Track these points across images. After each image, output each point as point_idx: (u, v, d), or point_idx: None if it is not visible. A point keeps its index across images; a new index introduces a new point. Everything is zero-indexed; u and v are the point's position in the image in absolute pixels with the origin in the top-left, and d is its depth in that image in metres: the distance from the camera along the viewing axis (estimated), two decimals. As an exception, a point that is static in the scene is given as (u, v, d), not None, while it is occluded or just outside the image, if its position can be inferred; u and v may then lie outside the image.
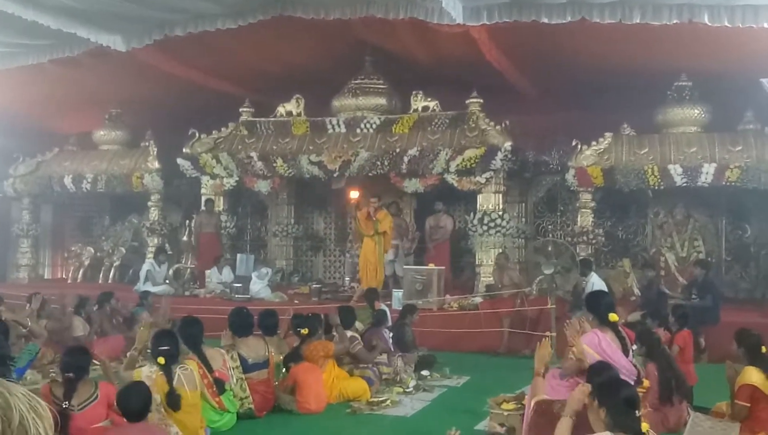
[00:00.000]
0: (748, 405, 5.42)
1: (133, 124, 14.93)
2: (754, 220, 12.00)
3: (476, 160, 11.36)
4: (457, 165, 11.48)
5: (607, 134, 11.63)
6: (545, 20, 9.07)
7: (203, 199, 13.28)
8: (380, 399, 6.80)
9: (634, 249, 12.45)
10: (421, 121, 12.17)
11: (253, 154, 12.56)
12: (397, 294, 10.88)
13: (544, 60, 11.31)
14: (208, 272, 12.82)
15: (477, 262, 11.83)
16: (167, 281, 12.80)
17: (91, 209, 16.21)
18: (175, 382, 5.26)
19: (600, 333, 4.93)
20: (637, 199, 12.22)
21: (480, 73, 11.58)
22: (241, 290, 11.90)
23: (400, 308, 9.63)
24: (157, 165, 13.79)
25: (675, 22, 8.65)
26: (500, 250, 11.36)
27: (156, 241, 14.00)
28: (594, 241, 11.68)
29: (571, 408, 3.68)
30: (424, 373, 8.03)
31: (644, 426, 3.20)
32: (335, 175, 12.27)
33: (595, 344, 4.82)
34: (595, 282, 9.51)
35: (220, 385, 5.70)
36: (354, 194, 11.87)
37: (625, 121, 11.85)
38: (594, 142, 11.55)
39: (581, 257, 10.77)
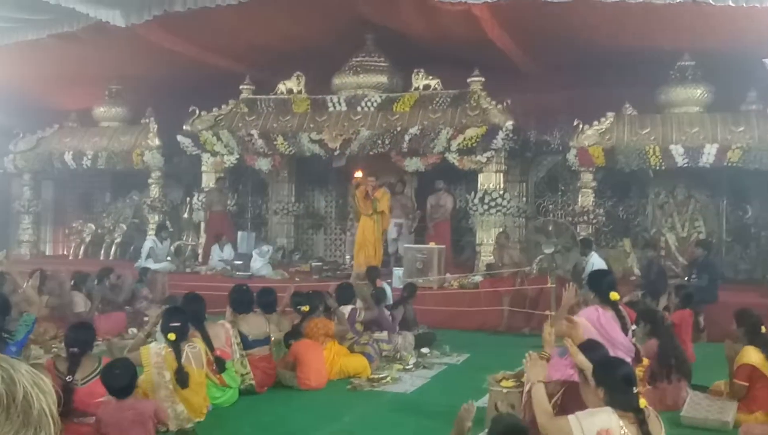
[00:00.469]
0: (747, 384, 5.47)
1: (133, 101, 14.86)
2: (755, 201, 11.99)
3: (477, 139, 11.32)
4: (458, 144, 11.44)
5: (609, 114, 11.58)
6: (548, -2, 9.00)
7: (204, 176, 13.26)
8: (380, 376, 6.84)
9: (634, 229, 12.46)
10: (423, 99, 12.12)
11: (254, 131, 12.52)
12: (398, 272, 10.90)
13: (546, 39, 11.23)
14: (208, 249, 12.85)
15: (477, 241, 11.84)
16: (169, 258, 12.82)
17: (92, 186, 16.19)
18: (183, 360, 5.29)
19: (600, 309, 4.95)
20: (638, 179, 12.20)
21: (482, 51, 11.51)
22: (242, 268, 11.93)
23: (401, 287, 9.67)
24: (157, 142, 13.75)
25: (678, 1, 8.58)
26: (501, 230, 11.37)
27: (157, 218, 14.00)
28: (595, 221, 11.69)
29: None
30: (424, 350, 8.07)
31: (642, 402, 3.22)
32: (336, 153, 12.24)
33: (594, 319, 4.84)
34: (595, 261, 9.53)
35: (220, 364, 5.73)
36: (358, 174, 11.81)
37: (627, 100, 11.81)
38: (596, 122, 11.51)
39: (582, 237, 10.78)
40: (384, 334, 7.64)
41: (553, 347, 4.68)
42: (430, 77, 12.27)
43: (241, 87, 13.18)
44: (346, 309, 7.46)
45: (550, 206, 12.97)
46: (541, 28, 10.79)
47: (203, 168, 13.26)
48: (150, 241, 12.88)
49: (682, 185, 12.06)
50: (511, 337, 9.39)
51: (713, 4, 8.43)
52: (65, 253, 16.05)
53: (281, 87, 13.01)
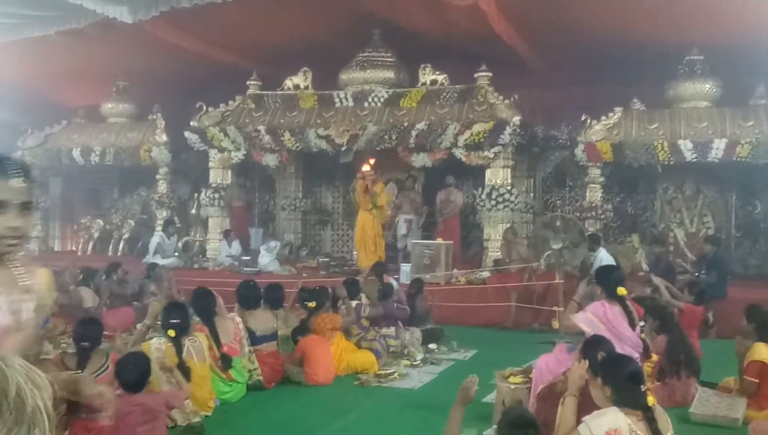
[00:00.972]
0: (757, 381, 5.44)
1: (140, 97, 14.89)
2: (765, 196, 11.92)
3: (485, 135, 11.29)
4: (466, 139, 11.41)
5: (617, 109, 11.54)
6: (556, -8, 8.97)
7: (211, 172, 13.27)
8: (388, 371, 6.84)
9: (642, 225, 12.41)
10: (430, 94, 12.08)
11: (261, 127, 12.53)
12: (405, 268, 10.89)
13: (553, 33, 11.19)
14: (216, 245, 12.88)
15: (485, 237, 11.81)
16: (176, 254, 12.85)
17: (100, 182, 16.23)
18: (184, 354, 5.30)
19: (607, 304, 4.92)
20: (646, 174, 12.15)
21: (489, 46, 11.48)
22: (249, 263, 11.95)
23: (408, 282, 9.67)
24: (164, 138, 13.77)
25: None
26: (508, 225, 11.34)
27: (164, 213, 14.04)
28: (603, 217, 11.65)
29: (574, 386, 3.67)
30: (432, 346, 8.06)
31: (650, 399, 3.19)
32: (343, 149, 12.23)
33: (600, 314, 4.82)
34: (603, 257, 9.50)
35: (226, 361, 5.73)
36: (366, 167, 11.78)
37: (635, 95, 11.76)
38: (603, 117, 11.47)
39: (589, 232, 10.74)
40: (391, 330, 7.64)
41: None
42: (437, 72, 12.23)
43: (248, 83, 13.18)
44: (352, 304, 7.46)
45: (558, 202, 12.93)
46: (549, 23, 10.75)
47: (210, 164, 13.28)
48: (157, 237, 12.93)
49: (690, 180, 12.00)
50: (518, 333, 9.38)
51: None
52: (74, 248, 16.11)
53: (288, 83, 13.00)
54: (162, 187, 14.19)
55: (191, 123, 13.02)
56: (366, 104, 12.33)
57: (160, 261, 11.76)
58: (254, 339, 6.30)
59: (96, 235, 15.28)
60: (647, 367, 4.86)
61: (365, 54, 12.78)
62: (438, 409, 5.72)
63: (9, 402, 0.86)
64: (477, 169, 12.01)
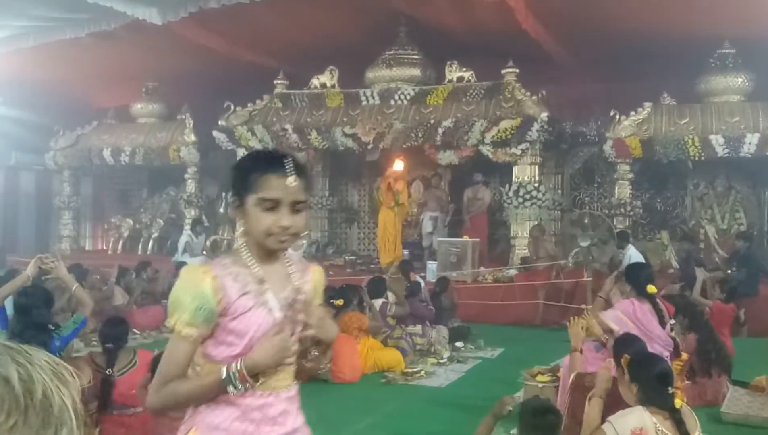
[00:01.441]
0: (790, 380, 5.34)
1: (169, 98, 15.07)
2: (799, 192, 11.70)
3: (512, 132, 11.22)
4: (493, 136, 11.36)
5: (646, 104, 11.39)
6: (584, -13, 8.88)
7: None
8: (414, 369, 6.84)
9: (672, 221, 12.24)
10: (456, 91, 12.05)
11: (288, 126, 12.60)
12: (432, 266, 10.88)
13: (581, 28, 11.07)
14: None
15: (512, 235, 11.75)
16: (204, 252, 12.96)
17: (130, 181, 16.47)
18: None
19: (636, 302, 4.88)
20: (676, 170, 11.98)
21: (516, 42, 11.40)
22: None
23: (434, 280, 9.65)
24: (193, 138, 13.92)
25: (719, -13, 8.40)
26: (535, 223, 11.28)
27: (193, 212, 14.19)
28: (632, 213, 11.53)
29: (600, 388, 3.64)
30: (458, 344, 8.05)
31: (677, 402, 3.15)
32: (369, 147, 12.24)
33: (630, 312, 4.77)
34: (632, 254, 9.39)
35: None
36: (398, 166, 11.74)
37: (664, 90, 11.60)
38: (633, 112, 11.34)
39: (618, 230, 10.63)
40: (418, 328, 7.64)
41: (582, 341, 4.62)
42: (464, 69, 12.19)
43: (275, 82, 13.26)
44: (377, 302, 7.47)
45: (586, 198, 12.82)
46: (576, 18, 10.64)
47: (238, 163, 13.36)
48: (186, 236, 13.06)
49: (722, 176, 11.81)
50: (546, 331, 9.32)
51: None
52: (104, 247, 16.36)
53: (315, 81, 13.06)
54: (190, 186, 14.34)
55: (219, 122, 13.14)
56: (392, 102, 12.33)
57: (188, 260, 11.87)
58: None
59: (126, 234, 15.48)
60: (677, 366, 4.79)
61: (391, 52, 12.77)
62: (465, 408, 5.71)
63: (35, 405, 0.79)
64: (504, 166, 11.95)
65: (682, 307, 6.18)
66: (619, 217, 11.37)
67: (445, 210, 12.85)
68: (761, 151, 10.47)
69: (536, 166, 11.63)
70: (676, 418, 3.08)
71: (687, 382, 5.64)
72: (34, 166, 16.29)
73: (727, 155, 10.72)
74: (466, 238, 11.17)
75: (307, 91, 13.07)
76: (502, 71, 11.82)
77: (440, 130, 11.64)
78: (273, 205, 1.83)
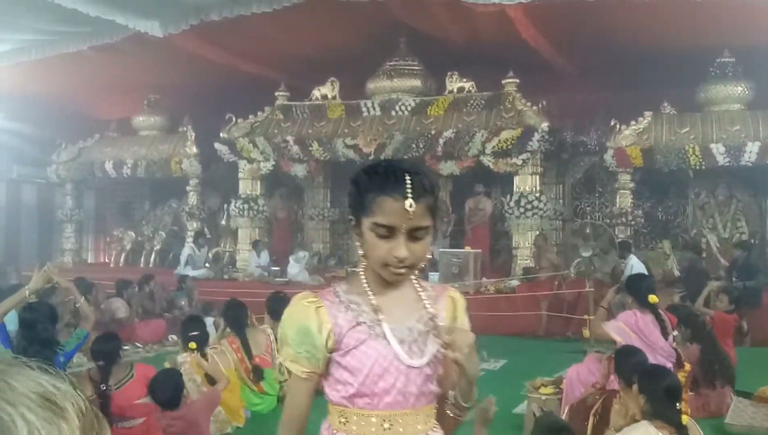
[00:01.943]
0: (793, 390, 5.33)
1: (171, 110, 15.11)
2: (801, 200, 11.70)
3: (512, 142, 11.24)
4: (493, 146, 11.38)
5: (647, 113, 11.41)
6: (583, -3, 8.91)
7: (241, 183, 13.38)
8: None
9: (674, 230, 12.24)
10: (457, 102, 12.07)
11: (289, 137, 12.62)
12: (434, 277, 10.86)
13: (581, 38, 11.11)
14: (246, 256, 12.99)
15: (514, 245, 11.74)
16: (207, 265, 12.98)
17: (132, 194, 16.49)
18: (210, 363, 5.37)
19: (638, 313, 4.88)
20: (677, 179, 11.99)
21: (516, 52, 11.43)
22: (278, 273, 12.02)
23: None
24: (195, 150, 13.94)
25: (717, -4, 8.43)
26: (537, 232, 11.28)
27: (195, 225, 14.20)
28: (633, 223, 11.53)
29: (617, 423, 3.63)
30: (461, 356, 8.01)
31: (684, 418, 3.14)
32: (371, 157, 12.24)
33: (632, 323, 4.77)
34: (634, 264, 9.38)
35: (258, 373, 5.77)
36: None
37: (665, 99, 11.61)
38: (633, 122, 11.35)
39: (620, 240, 10.63)
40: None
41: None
42: (464, 80, 12.22)
43: (276, 94, 13.29)
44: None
45: (588, 208, 12.82)
46: (576, 28, 10.68)
47: (240, 175, 13.40)
48: (188, 249, 13.08)
49: (723, 185, 11.82)
50: (549, 342, 9.31)
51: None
52: (106, 260, 16.36)
53: (316, 93, 13.09)
54: (192, 198, 14.35)
55: (221, 134, 13.17)
56: (393, 113, 12.36)
57: (191, 272, 11.90)
58: (284, 350, 6.33)
59: (128, 246, 15.49)
60: (681, 377, 4.78)
61: (392, 63, 12.81)
62: (468, 420, 5.69)
63: None
64: (505, 176, 11.95)
65: (684, 318, 6.17)
66: (621, 227, 11.36)
67: (446, 220, 12.85)
68: (762, 159, 10.48)
69: (537, 176, 11.64)
70: (682, 434, 3.07)
71: (690, 393, 5.63)
72: (36, 179, 16.33)
73: (727, 164, 10.73)
74: (468, 249, 11.16)
75: (308, 102, 13.10)
76: (503, 81, 11.85)
77: (441, 141, 11.66)
78: (388, 233, 1.61)
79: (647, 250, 11.75)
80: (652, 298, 4.95)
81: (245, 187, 13.38)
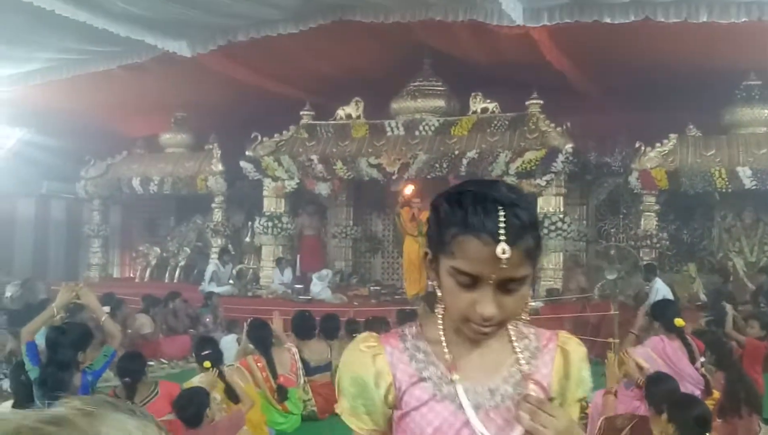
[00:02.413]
0: (823, 419, 5.25)
1: (197, 128, 15.31)
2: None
3: (536, 163, 11.24)
4: (517, 167, 11.38)
5: (672, 135, 11.37)
6: (608, 20, 8.94)
7: (265, 201, 13.49)
8: (440, 403, 6.80)
9: (699, 253, 12.12)
10: (480, 122, 12.11)
11: (314, 156, 12.72)
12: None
13: (606, 59, 11.11)
14: (270, 273, 13.08)
15: (537, 266, 11.67)
16: (231, 281, 13.08)
17: (157, 210, 16.68)
18: (228, 380, 5.42)
19: (666, 339, 4.86)
20: (703, 201, 11.90)
21: (540, 73, 11.45)
22: (302, 291, 12.08)
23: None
24: (220, 167, 14.10)
25: (744, 20, 8.41)
26: (564, 253, 11.26)
27: (219, 241, 14.32)
28: (658, 245, 11.44)
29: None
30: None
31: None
32: (394, 177, 12.32)
33: (660, 349, 4.75)
34: (660, 288, 9.31)
35: (282, 392, 5.80)
36: (408, 189, 11.77)
37: (690, 121, 11.57)
38: (658, 144, 11.31)
39: (645, 262, 10.55)
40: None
41: (618, 382, 4.59)
42: (488, 100, 12.26)
43: (301, 113, 13.42)
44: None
45: (612, 230, 12.73)
46: (601, 50, 10.69)
47: (264, 193, 13.51)
48: (213, 265, 13.19)
49: (750, 208, 11.70)
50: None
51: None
52: (131, 275, 16.55)
53: (340, 112, 13.20)
54: (217, 215, 14.49)
55: (246, 152, 13.30)
56: (417, 133, 12.42)
57: (215, 289, 12.00)
58: (309, 369, 6.38)
59: (153, 262, 15.65)
60: (709, 405, 4.74)
61: (416, 83, 12.90)
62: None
63: None
64: (529, 197, 11.91)
65: (711, 343, 6.11)
66: (646, 249, 11.29)
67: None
68: (790, 183, 10.39)
69: (561, 197, 11.61)
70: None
71: (718, 420, 5.56)
72: (64, 195, 16.59)
73: (754, 187, 10.64)
74: (491, 270, 11.12)
75: (333, 121, 13.22)
76: (527, 102, 11.87)
77: (465, 161, 11.69)
78: (472, 282, 1.27)
79: (672, 273, 11.65)
80: (679, 322, 4.93)
81: (269, 204, 13.49)
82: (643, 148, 11.31)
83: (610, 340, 8.75)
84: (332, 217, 14.51)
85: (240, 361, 5.92)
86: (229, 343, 7.81)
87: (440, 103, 12.73)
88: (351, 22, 10.11)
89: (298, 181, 13.05)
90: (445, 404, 1.35)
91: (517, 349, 1.41)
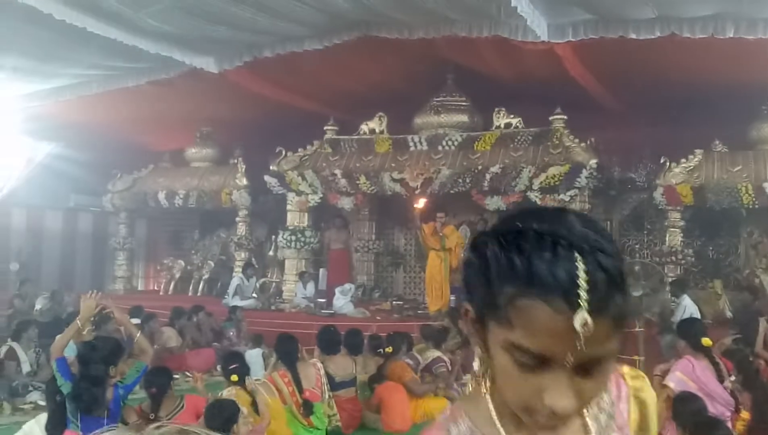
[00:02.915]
0: None
1: (222, 142, 15.48)
2: None
3: (560, 178, 11.22)
4: (541, 182, 11.37)
5: (698, 151, 11.30)
6: (633, 36, 8.93)
7: (289, 215, 13.56)
8: (464, 419, 6.78)
9: (725, 269, 11.99)
10: (504, 138, 12.12)
11: (337, 171, 12.80)
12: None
13: (630, 75, 11.09)
14: (293, 287, 13.15)
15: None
16: (254, 295, 13.16)
17: (182, 224, 16.84)
18: (253, 391, 5.47)
19: (694, 360, 4.82)
20: (729, 217, 11.78)
21: (564, 89, 11.45)
22: (324, 305, 12.12)
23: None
24: (245, 181, 14.23)
25: (771, 36, 8.36)
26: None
27: (243, 255, 14.43)
28: (683, 262, 11.34)
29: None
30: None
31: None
32: (417, 192, 12.35)
33: (689, 371, 4.72)
34: (688, 305, 9.22)
35: (308, 407, 5.83)
36: (420, 203, 11.74)
37: (716, 137, 11.49)
38: (683, 159, 11.25)
39: (673, 278, 10.47)
40: (467, 377, 7.60)
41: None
42: (512, 116, 12.27)
43: (325, 128, 13.53)
44: (432, 353, 7.43)
45: (636, 245, 12.65)
46: (626, 66, 10.68)
47: (288, 207, 13.60)
48: (237, 279, 13.28)
49: (777, 224, 11.58)
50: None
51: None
52: (156, 288, 16.70)
53: (364, 127, 13.29)
54: (241, 229, 14.60)
55: (271, 167, 13.41)
56: (440, 148, 12.46)
57: (239, 302, 12.08)
58: (333, 384, 6.40)
59: (177, 275, 15.79)
60: (740, 426, 4.69)
61: (439, 98, 12.95)
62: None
63: None
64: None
65: (738, 363, 6.04)
66: (670, 265, 11.19)
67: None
68: (818, 199, 10.27)
69: (585, 213, 11.53)
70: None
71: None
72: (91, 208, 16.82)
73: (782, 203, 10.53)
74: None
75: (356, 136, 13.30)
76: (550, 118, 11.86)
77: (488, 176, 11.69)
78: (538, 364, 0.93)
79: (698, 290, 11.53)
80: (706, 341, 4.90)
81: (293, 218, 13.57)
82: (668, 163, 11.25)
83: (635, 357, 8.68)
84: (355, 231, 14.56)
85: (280, 373, 5.97)
86: (253, 357, 7.87)
87: (463, 118, 12.77)
88: (375, 38, 10.20)
89: (321, 195, 13.13)
90: None
91: (590, 423, 1.08)
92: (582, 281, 0.88)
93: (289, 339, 6.25)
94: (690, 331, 5.12)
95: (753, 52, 9.32)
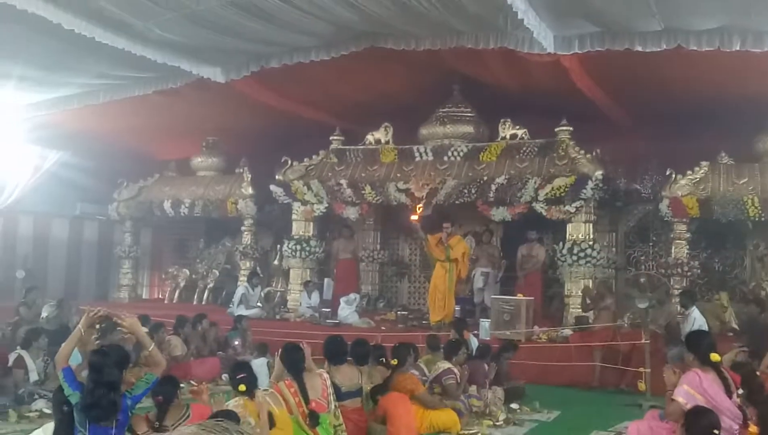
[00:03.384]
0: None
1: (228, 152, 15.53)
2: None
3: (566, 189, 11.23)
4: (546, 193, 11.38)
5: (704, 163, 11.30)
6: (639, 48, 8.93)
7: (294, 224, 13.58)
8: (470, 431, 6.79)
9: (731, 282, 11.95)
10: (509, 149, 12.14)
11: (343, 181, 12.83)
12: (485, 324, 10.81)
13: (637, 87, 11.11)
14: (297, 296, 13.15)
15: (566, 293, 11.63)
16: (259, 304, 13.16)
17: (187, 232, 16.85)
18: (261, 403, 5.45)
19: (701, 373, 4.80)
20: (735, 229, 11.76)
21: (570, 100, 11.48)
22: (329, 315, 12.12)
23: (487, 339, 9.57)
24: (250, 191, 14.27)
25: (778, 49, 8.35)
26: (594, 279, 11.20)
27: (248, 264, 14.44)
28: (689, 274, 11.33)
29: None
30: (514, 406, 7.95)
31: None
32: (422, 202, 12.35)
33: (697, 384, 4.70)
34: (696, 317, 9.20)
35: (314, 418, 5.81)
36: (414, 217, 11.71)
37: (722, 149, 11.49)
38: (689, 171, 11.25)
39: (681, 289, 10.45)
40: (473, 389, 7.59)
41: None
42: (517, 127, 12.29)
43: (331, 138, 13.57)
44: (443, 365, 7.40)
45: (641, 257, 12.61)
46: (632, 78, 10.69)
47: (294, 216, 13.62)
48: (242, 288, 13.29)
49: (784, 237, 11.55)
50: (603, 394, 9.15)
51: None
52: (160, 296, 16.70)
53: (370, 138, 13.33)
54: (246, 238, 14.62)
55: (276, 176, 13.45)
56: (446, 158, 12.48)
57: (244, 311, 12.09)
58: (339, 394, 6.37)
59: (182, 283, 15.81)
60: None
61: (445, 109, 12.99)
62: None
63: None
64: (557, 223, 11.90)
65: (744, 378, 6.02)
66: (676, 277, 11.19)
67: (497, 266, 12.82)
68: (825, 212, 10.24)
69: (590, 224, 11.55)
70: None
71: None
72: (97, 216, 16.85)
73: (789, 216, 10.50)
74: (520, 296, 11.09)
75: (362, 146, 13.34)
76: (556, 129, 11.88)
77: (493, 187, 11.71)
78: None
79: (704, 302, 11.49)
80: (714, 357, 4.88)
81: (298, 228, 13.59)
82: (674, 175, 11.25)
83: (641, 369, 8.66)
84: (359, 241, 14.57)
85: (286, 382, 5.95)
86: (259, 367, 7.85)
87: (469, 129, 12.80)
88: (382, 49, 10.22)
89: (326, 205, 13.16)
90: None
91: None
92: None
93: (295, 349, 6.22)
94: (699, 343, 5.10)
95: (759, 64, 9.32)
